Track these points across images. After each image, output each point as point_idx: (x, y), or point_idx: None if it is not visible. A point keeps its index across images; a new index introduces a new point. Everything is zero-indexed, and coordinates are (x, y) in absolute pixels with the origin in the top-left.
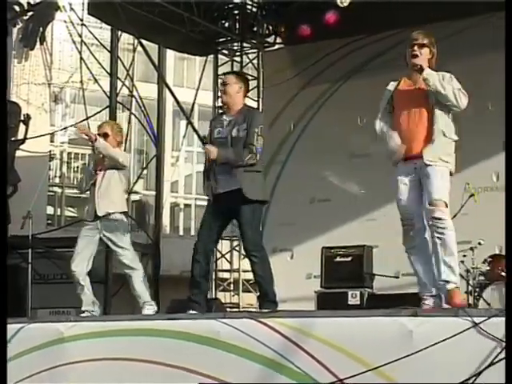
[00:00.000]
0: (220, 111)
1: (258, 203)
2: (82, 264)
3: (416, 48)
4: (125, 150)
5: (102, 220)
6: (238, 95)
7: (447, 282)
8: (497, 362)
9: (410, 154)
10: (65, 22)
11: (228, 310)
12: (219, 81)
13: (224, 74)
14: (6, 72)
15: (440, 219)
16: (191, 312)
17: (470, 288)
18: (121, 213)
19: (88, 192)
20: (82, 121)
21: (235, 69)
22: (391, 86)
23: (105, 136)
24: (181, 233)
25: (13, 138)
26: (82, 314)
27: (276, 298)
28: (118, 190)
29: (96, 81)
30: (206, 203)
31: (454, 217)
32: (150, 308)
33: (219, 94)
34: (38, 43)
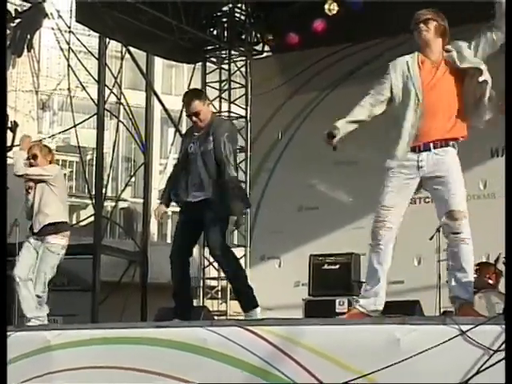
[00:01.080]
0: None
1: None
2: (23, 271)
3: (422, 25)
4: (112, 158)
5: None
6: (207, 111)
7: (457, 298)
8: (484, 369)
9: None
10: (52, 29)
11: (215, 317)
12: (184, 109)
13: (184, 97)
14: (5, 72)
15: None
16: (176, 320)
17: None
18: (57, 223)
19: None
20: (69, 128)
21: (223, 77)
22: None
23: (34, 157)
24: (168, 240)
25: None
26: (29, 323)
27: (254, 294)
28: (52, 201)
29: (84, 88)
30: None
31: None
32: (34, 322)
33: (191, 119)
34: (25, 50)
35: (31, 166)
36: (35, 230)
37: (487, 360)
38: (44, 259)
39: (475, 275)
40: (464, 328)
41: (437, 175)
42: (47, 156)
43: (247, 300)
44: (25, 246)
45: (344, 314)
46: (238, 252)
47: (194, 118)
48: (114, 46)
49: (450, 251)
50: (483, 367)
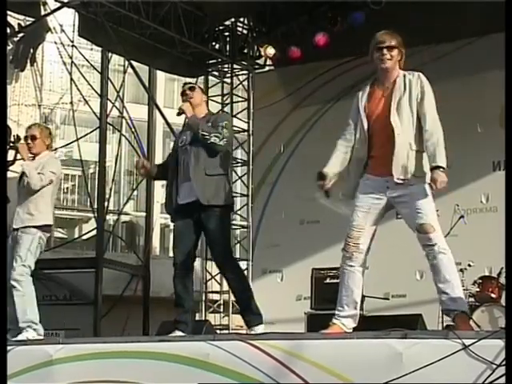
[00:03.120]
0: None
1: (223, 209)
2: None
3: (385, 51)
4: (114, 172)
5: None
6: (203, 103)
7: (449, 310)
8: None
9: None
10: (55, 43)
11: (218, 331)
12: (185, 87)
13: (187, 83)
14: (5, 73)
15: (433, 245)
16: (178, 333)
17: None
18: (36, 226)
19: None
20: (72, 142)
21: (225, 91)
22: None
23: (32, 138)
24: (171, 254)
25: None
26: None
27: (259, 310)
28: (40, 200)
29: (86, 102)
30: None
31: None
32: (28, 330)
33: (184, 98)
34: (28, 64)
35: (29, 147)
36: (15, 226)
37: (490, 374)
38: (20, 242)
39: (477, 289)
40: (467, 342)
41: (401, 194)
42: (46, 139)
43: (252, 316)
44: (9, 246)
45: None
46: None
47: (188, 91)
48: (116, 60)
49: (431, 265)
50: (486, 381)
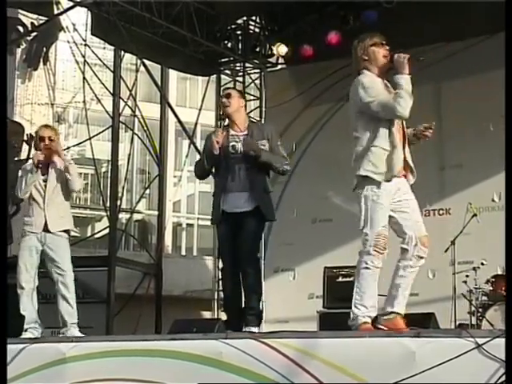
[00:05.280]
0: (224, 125)
1: (267, 221)
2: (30, 279)
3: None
4: (127, 170)
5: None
6: (242, 109)
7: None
8: (500, 383)
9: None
10: (68, 42)
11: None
12: (222, 93)
13: (226, 88)
14: (5, 74)
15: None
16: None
17: (472, 308)
18: (67, 230)
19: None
20: (84, 141)
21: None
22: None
23: (50, 140)
24: (183, 253)
25: (16, 158)
26: (24, 333)
27: (262, 313)
28: (66, 204)
29: (99, 101)
30: (208, 223)
31: (457, 237)
32: (76, 329)
33: (222, 106)
34: (41, 63)
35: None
36: (52, 229)
37: (504, 373)
38: (59, 246)
39: (490, 288)
40: (480, 341)
41: (407, 198)
42: (58, 140)
43: (253, 318)
44: (25, 247)
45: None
46: None
47: (223, 99)
48: (128, 59)
49: (403, 276)
50: (499, 380)
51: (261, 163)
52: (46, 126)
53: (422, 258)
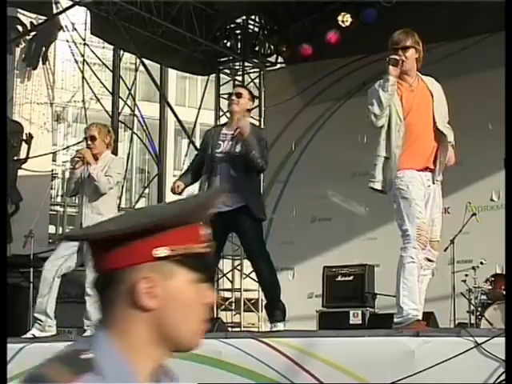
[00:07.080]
0: (220, 124)
1: (259, 220)
2: (52, 266)
3: (400, 52)
4: (126, 169)
5: None
6: (247, 113)
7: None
8: (499, 382)
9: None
10: (67, 41)
11: (230, 329)
12: (234, 90)
13: (239, 86)
14: (5, 73)
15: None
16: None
17: (472, 307)
18: None
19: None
20: (82, 140)
21: None
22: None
23: (92, 139)
24: None
25: (15, 158)
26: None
27: (285, 308)
28: (107, 201)
29: (98, 100)
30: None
31: (456, 236)
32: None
33: (229, 102)
34: (40, 63)
35: (89, 148)
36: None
37: (503, 372)
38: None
39: (490, 287)
40: (479, 340)
41: (429, 192)
42: (106, 138)
43: (276, 312)
44: (67, 246)
45: (357, 325)
46: None
47: (233, 97)
48: (128, 58)
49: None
50: (499, 380)
51: (245, 144)
52: (93, 124)
53: (430, 261)
